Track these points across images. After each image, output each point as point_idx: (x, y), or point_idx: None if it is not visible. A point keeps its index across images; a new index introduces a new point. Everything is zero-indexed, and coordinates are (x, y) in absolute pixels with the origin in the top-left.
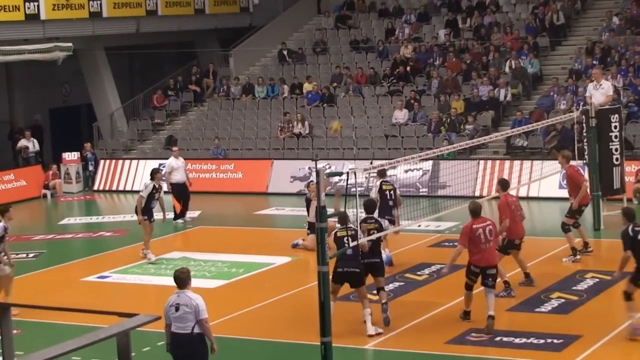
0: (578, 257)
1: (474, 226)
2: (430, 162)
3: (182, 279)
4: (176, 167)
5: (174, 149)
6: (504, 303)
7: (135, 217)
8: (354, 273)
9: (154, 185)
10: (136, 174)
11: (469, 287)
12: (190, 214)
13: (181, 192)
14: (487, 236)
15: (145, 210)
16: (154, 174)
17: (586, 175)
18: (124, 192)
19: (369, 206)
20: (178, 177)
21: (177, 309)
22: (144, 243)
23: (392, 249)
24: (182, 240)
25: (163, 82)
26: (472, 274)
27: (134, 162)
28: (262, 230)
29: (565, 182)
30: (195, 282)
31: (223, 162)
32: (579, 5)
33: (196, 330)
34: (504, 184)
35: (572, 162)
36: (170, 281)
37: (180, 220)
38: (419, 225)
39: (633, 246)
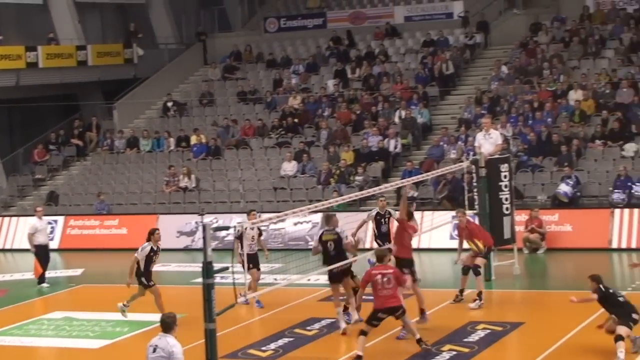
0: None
1: (373, 272)
2: (320, 214)
3: (167, 323)
4: (40, 228)
5: (38, 209)
6: (395, 356)
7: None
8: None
9: (152, 248)
10: (16, 232)
11: (364, 333)
12: (73, 272)
13: (45, 254)
14: (385, 284)
15: (145, 274)
16: (151, 234)
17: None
18: (3, 250)
19: (328, 218)
20: (41, 239)
21: (154, 350)
22: (158, 308)
23: (281, 304)
24: (64, 299)
25: (44, 136)
26: (376, 320)
27: (14, 219)
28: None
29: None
30: (77, 343)
31: (107, 218)
32: (468, 55)
33: None
34: (379, 256)
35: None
36: (51, 342)
37: (45, 285)
38: (309, 279)
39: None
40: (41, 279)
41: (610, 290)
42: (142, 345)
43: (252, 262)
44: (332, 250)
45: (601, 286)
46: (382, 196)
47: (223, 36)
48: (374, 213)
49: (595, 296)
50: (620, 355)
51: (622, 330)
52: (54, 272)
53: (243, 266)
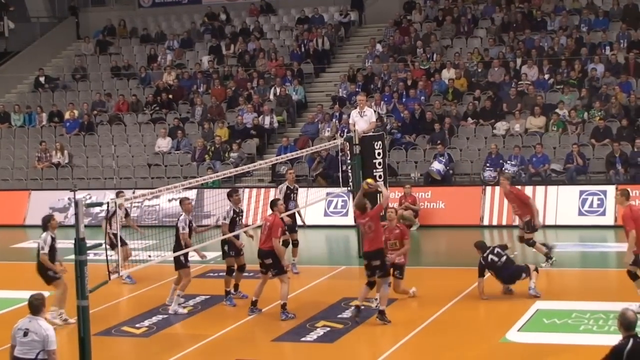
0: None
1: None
2: (195, 191)
3: (35, 306)
4: None
5: None
6: (270, 332)
7: None
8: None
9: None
10: None
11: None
12: None
13: None
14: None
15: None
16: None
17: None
18: None
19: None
20: None
21: (25, 334)
22: None
23: (155, 281)
24: None
25: None
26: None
27: None
28: (19, 264)
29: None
30: None
31: None
32: (342, 33)
33: (40, 356)
34: (272, 204)
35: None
36: None
37: None
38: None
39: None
40: None
41: (489, 259)
42: (12, 324)
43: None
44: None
45: (481, 258)
46: (291, 169)
47: (96, 10)
48: (284, 187)
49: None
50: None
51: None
52: None
53: (112, 245)
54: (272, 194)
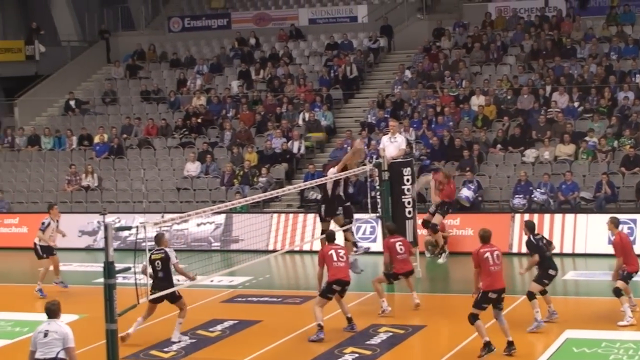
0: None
1: (481, 250)
2: (223, 215)
3: (53, 310)
4: None
5: None
6: (299, 357)
7: None
8: (168, 294)
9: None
10: None
11: (476, 318)
12: None
13: None
14: (495, 259)
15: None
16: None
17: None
18: None
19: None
20: None
21: (45, 335)
22: None
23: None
24: None
25: None
26: (487, 302)
27: None
28: (49, 287)
29: None
30: None
31: (7, 216)
32: (371, 59)
33: (61, 355)
34: (329, 236)
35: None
36: None
37: None
38: (212, 281)
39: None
40: None
41: (540, 243)
42: None
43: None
44: (160, 271)
45: (531, 236)
46: None
47: (126, 35)
48: None
49: (536, 257)
50: (537, 317)
51: (533, 287)
52: None
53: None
54: (301, 219)
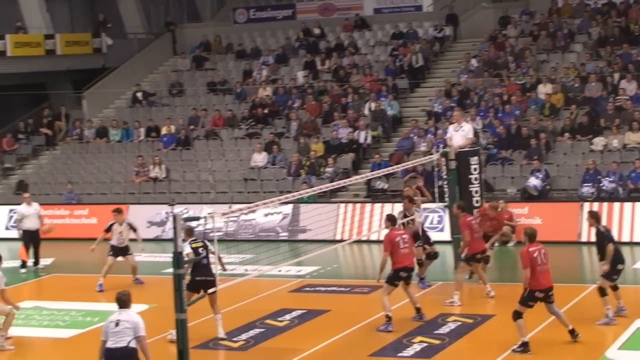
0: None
1: (530, 249)
2: (290, 205)
3: (123, 300)
4: (27, 214)
5: (25, 195)
6: (367, 347)
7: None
8: (207, 281)
9: None
10: None
11: (519, 316)
12: (43, 262)
13: (32, 239)
14: (543, 259)
15: None
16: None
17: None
18: None
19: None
20: (29, 224)
21: (117, 324)
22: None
23: (251, 295)
24: (34, 289)
25: (13, 125)
26: (534, 300)
27: None
28: (118, 277)
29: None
30: (47, 332)
31: (76, 208)
32: (437, 48)
33: (132, 345)
34: (392, 220)
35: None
36: (22, 331)
37: (23, 270)
38: (279, 270)
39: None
40: (26, 263)
41: (609, 234)
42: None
43: (122, 252)
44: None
45: (599, 227)
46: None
47: (192, 26)
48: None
49: (611, 247)
50: (609, 313)
51: (603, 283)
52: (14, 262)
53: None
54: (368, 209)
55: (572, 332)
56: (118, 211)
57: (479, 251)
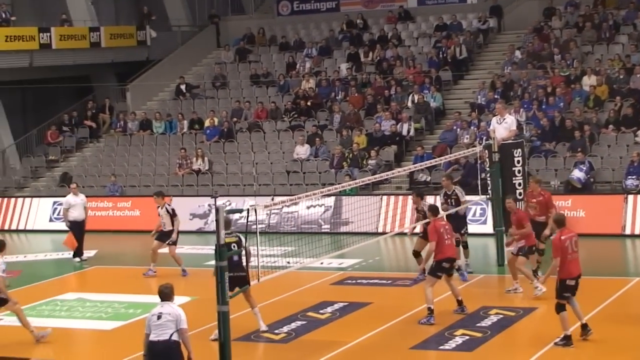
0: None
1: (562, 237)
2: (333, 198)
3: (166, 293)
4: (74, 204)
5: (72, 185)
6: (408, 340)
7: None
8: (240, 277)
9: None
10: (29, 213)
11: (562, 308)
12: (87, 253)
13: (79, 230)
14: (574, 247)
15: None
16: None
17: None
18: (17, 231)
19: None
20: (75, 214)
21: (159, 317)
22: None
23: (293, 287)
24: (77, 281)
25: (57, 117)
26: (568, 290)
27: (27, 200)
28: (161, 269)
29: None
30: (90, 324)
31: (120, 200)
32: (481, 40)
33: (174, 337)
34: (434, 210)
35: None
36: (65, 323)
37: (77, 259)
38: (322, 263)
39: None
40: (76, 253)
41: None
42: None
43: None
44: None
45: None
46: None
47: (236, 19)
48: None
49: None
50: None
51: None
52: (68, 253)
53: None
54: (410, 201)
55: (585, 327)
56: (157, 194)
57: (534, 244)
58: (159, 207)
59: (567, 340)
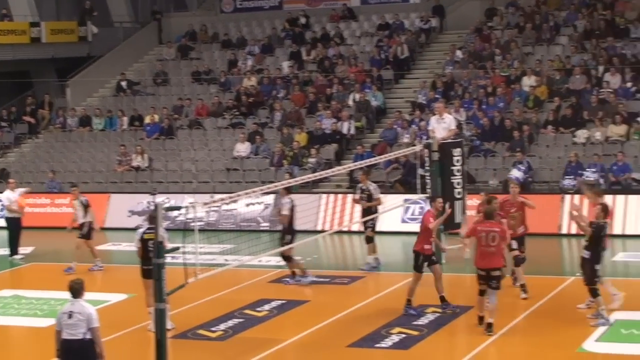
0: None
1: (479, 228)
2: (272, 196)
3: (76, 289)
4: (13, 199)
5: (10, 180)
6: (345, 338)
7: None
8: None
9: None
10: None
11: (480, 293)
12: (23, 250)
13: (17, 226)
14: (489, 241)
15: None
16: None
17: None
18: None
19: (151, 217)
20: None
21: (70, 316)
22: None
23: (231, 285)
24: (13, 278)
25: None
26: (479, 278)
27: None
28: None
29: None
30: (26, 321)
31: (58, 196)
32: (423, 39)
33: (87, 336)
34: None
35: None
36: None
37: (16, 256)
38: (260, 261)
39: None
40: (12, 250)
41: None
42: None
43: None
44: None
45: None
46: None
47: (178, 16)
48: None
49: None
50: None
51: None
52: (3, 250)
53: None
54: (350, 199)
55: (481, 319)
56: (74, 186)
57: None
58: (74, 199)
59: (483, 323)
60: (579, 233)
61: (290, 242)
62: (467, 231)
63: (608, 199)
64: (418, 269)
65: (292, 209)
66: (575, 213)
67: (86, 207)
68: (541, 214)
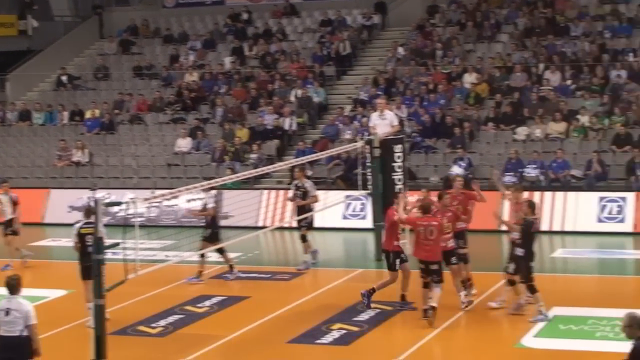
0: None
1: (418, 222)
2: (213, 191)
3: (12, 285)
4: None
5: None
6: (285, 334)
7: None
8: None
9: None
10: None
11: (423, 285)
12: None
13: None
14: (427, 235)
15: None
16: None
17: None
18: None
19: (88, 211)
20: None
21: (7, 314)
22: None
23: (171, 281)
24: None
25: None
26: (421, 270)
27: None
28: (37, 262)
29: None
30: None
31: None
32: (365, 36)
33: (24, 333)
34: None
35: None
36: None
37: None
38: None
39: None
40: None
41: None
42: None
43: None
44: (90, 246)
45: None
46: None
47: (120, 10)
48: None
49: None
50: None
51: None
52: None
53: None
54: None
55: (432, 309)
56: (3, 181)
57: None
58: (2, 194)
59: (425, 313)
60: None
61: (210, 237)
62: (407, 219)
63: (547, 195)
64: (392, 267)
65: (216, 205)
66: (498, 215)
67: (15, 203)
68: (482, 210)
